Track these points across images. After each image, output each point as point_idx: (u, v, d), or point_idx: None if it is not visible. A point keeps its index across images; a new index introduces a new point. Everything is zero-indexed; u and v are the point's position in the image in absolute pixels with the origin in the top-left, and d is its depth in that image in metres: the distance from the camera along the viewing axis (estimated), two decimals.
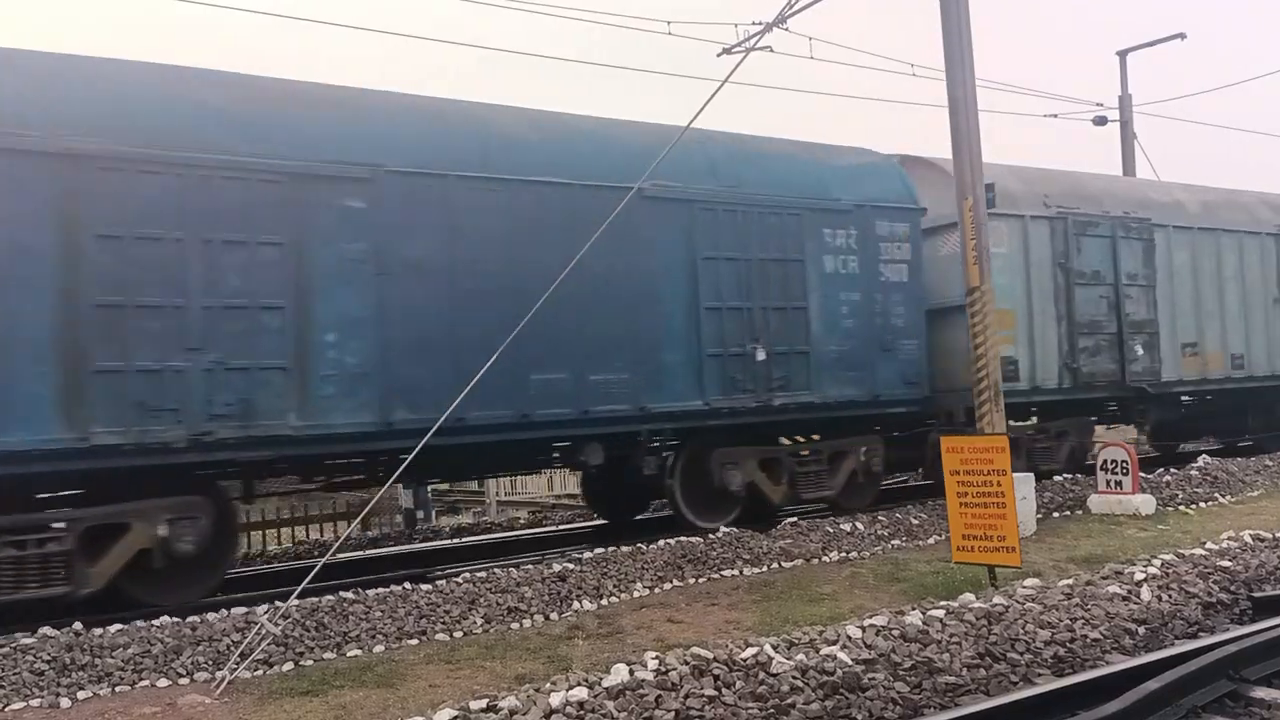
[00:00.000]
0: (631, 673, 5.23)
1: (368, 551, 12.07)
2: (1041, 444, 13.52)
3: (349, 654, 6.79)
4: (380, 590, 8.06)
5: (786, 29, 11.91)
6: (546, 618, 7.62)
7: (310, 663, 6.60)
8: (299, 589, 6.94)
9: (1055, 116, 22.40)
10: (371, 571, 10.19)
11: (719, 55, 12.44)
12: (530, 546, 11.62)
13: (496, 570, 8.64)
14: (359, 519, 9.39)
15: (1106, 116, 22.72)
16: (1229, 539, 8.60)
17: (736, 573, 8.93)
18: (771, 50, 12.20)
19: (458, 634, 7.22)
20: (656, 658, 5.44)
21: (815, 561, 9.37)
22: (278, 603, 7.17)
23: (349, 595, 7.85)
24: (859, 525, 10.53)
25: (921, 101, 24.99)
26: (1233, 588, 7.33)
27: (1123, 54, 23.14)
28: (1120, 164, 22.58)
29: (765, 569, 9.09)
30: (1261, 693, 5.17)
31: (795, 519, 10.77)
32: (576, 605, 7.87)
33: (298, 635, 6.94)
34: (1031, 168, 14.39)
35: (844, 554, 9.59)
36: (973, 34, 10.57)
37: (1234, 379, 15.59)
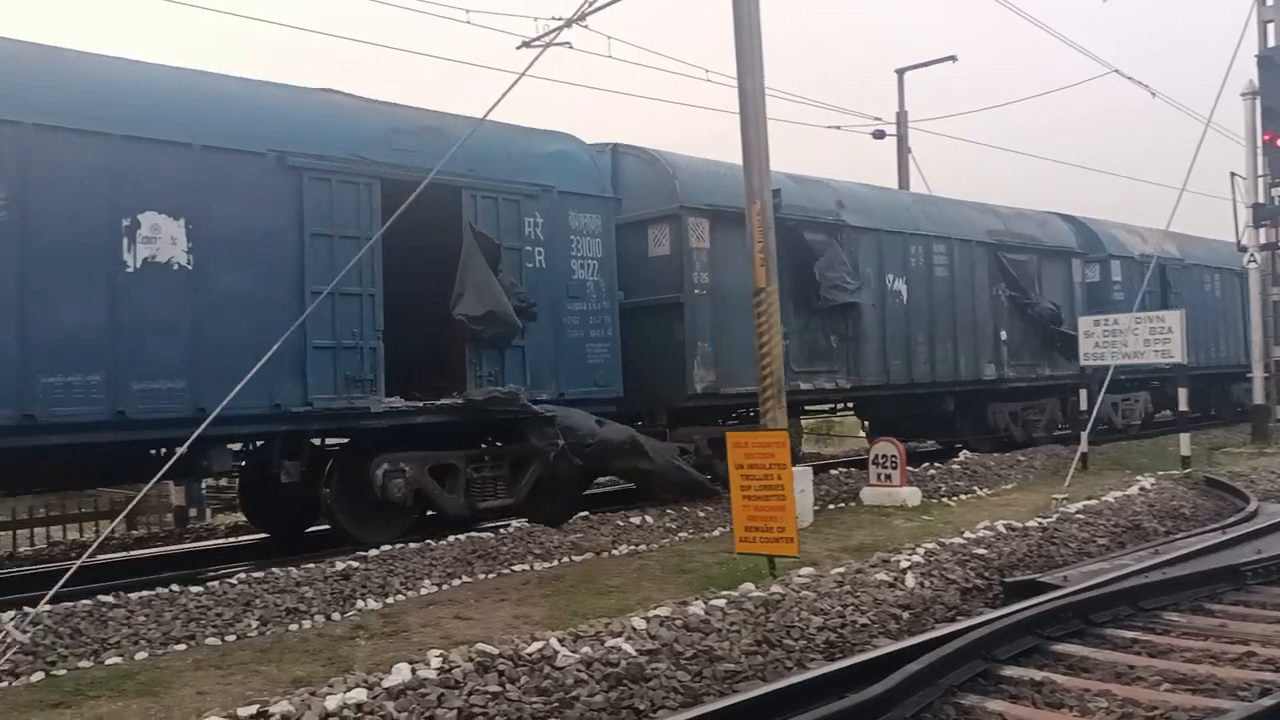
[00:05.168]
0: (414, 672, 5.10)
1: (133, 552, 11.34)
2: None
3: (107, 662, 6.33)
4: (144, 593, 7.56)
5: (586, 26, 12.00)
6: (328, 618, 7.35)
7: (63, 672, 6.12)
8: (51, 593, 6.43)
9: (838, 129, 23.59)
10: (137, 573, 9.54)
11: (518, 48, 12.42)
12: (317, 544, 11.15)
13: (275, 570, 8.27)
14: (121, 517, 8.74)
15: (885, 130, 24.11)
16: (985, 528, 9.21)
17: (527, 567, 8.91)
18: (571, 46, 12.26)
19: (230, 638, 6.86)
20: (440, 655, 5.33)
21: (605, 555, 9.47)
22: (26, 608, 6.63)
23: (108, 599, 7.32)
24: (649, 519, 10.72)
25: (715, 107, 25.55)
26: (987, 574, 7.89)
27: (900, 72, 24.63)
28: (896, 177, 24.02)
29: (556, 563, 9.10)
30: (1011, 671, 5.58)
31: (586, 513, 10.82)
32: (361, 604, 7.64)
33: (49, 643, 6.42)
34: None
35: (633, 547, 9.74)
36: (764, 43, 10.89)
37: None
